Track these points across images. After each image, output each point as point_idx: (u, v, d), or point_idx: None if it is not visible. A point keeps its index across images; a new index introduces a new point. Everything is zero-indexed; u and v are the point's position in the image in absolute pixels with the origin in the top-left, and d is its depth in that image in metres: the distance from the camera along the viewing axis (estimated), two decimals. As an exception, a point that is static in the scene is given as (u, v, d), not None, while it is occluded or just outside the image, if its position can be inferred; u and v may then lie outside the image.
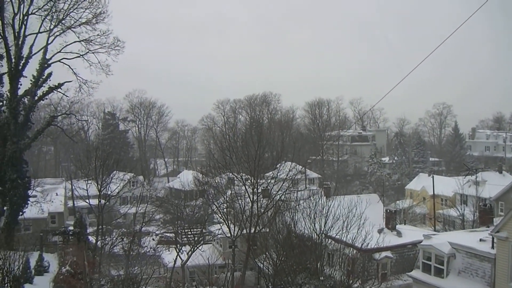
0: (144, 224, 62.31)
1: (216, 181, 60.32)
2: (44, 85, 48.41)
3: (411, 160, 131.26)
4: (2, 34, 45.79)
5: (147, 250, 58.30)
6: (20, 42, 46.40)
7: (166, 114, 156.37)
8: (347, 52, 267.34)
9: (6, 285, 29.67)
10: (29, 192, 49.99)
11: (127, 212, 69.19)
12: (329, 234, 38.94)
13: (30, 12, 47.28)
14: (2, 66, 46.78)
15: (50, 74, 48.68)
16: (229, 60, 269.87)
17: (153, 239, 67.17)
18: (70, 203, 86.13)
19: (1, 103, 46.81)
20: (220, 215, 58.12)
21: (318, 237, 38.48)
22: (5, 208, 46.01)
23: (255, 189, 51.41)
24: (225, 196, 57.98)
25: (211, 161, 73.09)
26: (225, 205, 57.24)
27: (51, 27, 48.69)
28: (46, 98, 50.51)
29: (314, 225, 38.44)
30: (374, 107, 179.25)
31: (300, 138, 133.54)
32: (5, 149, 45.80)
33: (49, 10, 48.13)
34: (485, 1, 21.09)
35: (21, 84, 47.12)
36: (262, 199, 53.16)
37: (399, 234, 46.68)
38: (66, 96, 50.90)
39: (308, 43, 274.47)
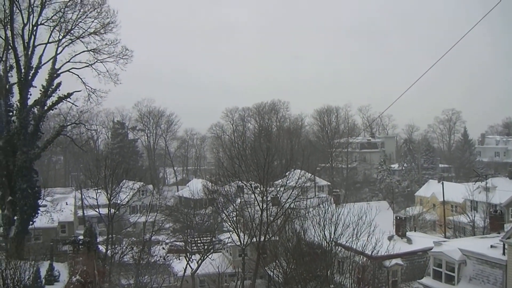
0: (153, 233, 62.36)
1: (226, 190, 60.31)
2: (53, 95, 48.57)
3: (421, 166, 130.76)
4: (12, 44, 46.05)
5: (157, 259, 58.37)
6: (29, 53, 46.63)
7: (175, 123, 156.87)
8: (355, 59, 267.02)
9: (17, 294, 29.70)
10: (39, 202, 50.02)
11: (137, 221, 69.20)
12: (339, 241, 38.77)
13: (39, 23, 47.54)
14: (12, 76, 47.05)
15: (59, 84, 48.86)
16: (237, 68, 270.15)
17: (163, 248, 67.14)
18: (80, 213, 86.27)
19: (11, 113, 47.00)
20: (229, 223, 58.15)
21: (328, 244, 38.33)
22: (15, 217, 46.07)
23: (264, 197, 51.40)
24: (234, 205, 58.01)
25: (220, 170, 73.14)
26: (235, 213, 57.25)
27: (60, 37, 48.92)
28: (56, 108, 50.65)
29: (324, 233, 38.30)
30: (383, 114, 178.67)
31: (309, 146, 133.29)
32: (15, 159, 45.96)
33: (58, 21, 48.38)
34: (497, 3, 20.93)
35: (30, 94, 47.32)
36: (271, 207, 53.12)
37: (409, 241, 46.48)
38: (75, 105, 51.01)
39: (315, 51, 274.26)
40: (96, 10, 49.07)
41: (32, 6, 46.74)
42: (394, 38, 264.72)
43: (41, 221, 56.47)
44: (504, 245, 31.60)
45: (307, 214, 46.39)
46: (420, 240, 46.67)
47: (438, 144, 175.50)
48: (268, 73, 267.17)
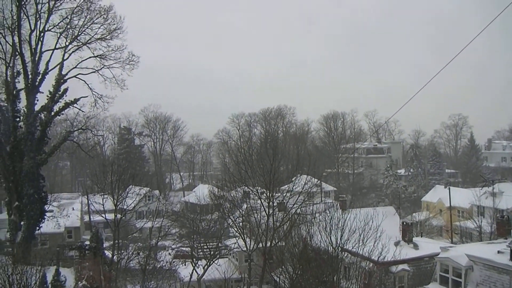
0: (160, 238, 62.32)
1: (232, 195, 60.29)
2: (60, 100, 48.80)
3: (427, 172, 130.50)
4: (19, 50, 46.31)
5: (163, 265, 58.31)
6: (36, 59, 46.87)
7: (181, 128, 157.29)
8: (361, 65, 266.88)
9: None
10: (46, 207, 50.19)
11: (143, 227, 69.20)
12: (345, 247, 38.71)
13: (46, 29, 47.81)
14: (19, 82, 47.30)
15: (66, 90, 49.07)
16: (244, 73, 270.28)
17: (169, 254, 67.15)
18: (86, 218, 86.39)
19: (18, 119, 47.22)
20: (236, 229, 58.11)
21: (334, 250, 38.26)
22: (22, 223, 46.22)
23: (270, 203, 51.36)
24: (240, 210, 57.98)
25: (226, 175, 73.07)
26: (241, 219, 57.21)
27: (67, 43, 49.18)
28: (62, 114, 50.87)
29: (330, 238, 38.22)
30: (389, 119, 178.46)
31: (315, 151, 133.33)
32: (22, 165, 46.14)
33: (64, 27, 48.67)
34: (508, 5, 20.85)
35: (37, 100, 47.55)
36: (277, 212, 53.08)
37: (415, 246, 46.35)
38: (82, 111, 51.27)
39: (321, 56, 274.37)
40: (102, 16, 49.36)
41: (39, 13, 47.05)
42: (400, 44, 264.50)
43: (47, 226, 56.68)
44: (511, 250, 31.46)
45: (313, 219, 46.37)
46: (427, 246, 46.53)
47: (445, 149, 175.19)
48: (274, 79, 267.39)
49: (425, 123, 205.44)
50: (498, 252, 33.35)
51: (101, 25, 49.60)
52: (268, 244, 50.12)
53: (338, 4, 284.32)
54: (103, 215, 56.73)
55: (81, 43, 49.85)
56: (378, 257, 37.44)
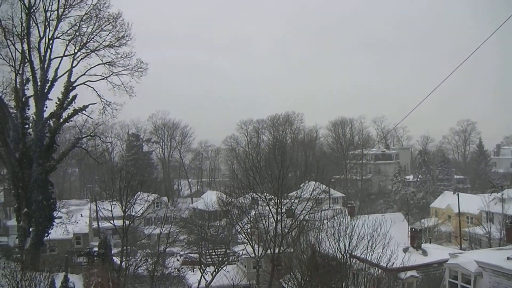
0: (168, 245, 62.31)
1: (240, 202, 60.29)
2: (69, 107, 48.99)
3: (436, 178, 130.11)
4: (28, 58, 46.62)
5: (172, 271, 58.30)
6: (45, 66, 47.12)
7: (189, 135, 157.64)
8: (369, 71, 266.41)
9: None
10: (55, 214, 50.38)
11: (151, 233, 69.39)
12: (353, 253, 38.62)
13: (55, 37, 48.09)
14: (28, 89, 47.61)
15: (75, 97, 49.26)
16: (250, 80, 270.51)
17: (177, 260, 67.12)
18: (94, 224, 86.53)
19: (27, 126, 47.51)
20: (244, 235, 58.08)
21: (342, 256, 38.17)
22: (31, 229, 46.39)
23: (279, 209, 51.31)
24: (249, 216, 57.95)
25: (234, 182, 73.21)
26: (249, 225, 57.18)
27: (76, 50, 49.41)
28: (71, 120, 51.05)
29: (339, 245, 38.14)
30: (398, 125, 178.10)
31: (324, 158, 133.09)
32: (31, 171, 46.34)
33: (73, 35, 48.95)
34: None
35: (46, 107, 47.78)
36: (286, 219, 53.01)
37: (424, 253, 46.18)
38: (91, 118, 51.43)
39: (329, 63, 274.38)
40: (111, 24, 49.56)
41: (48, 20, 47.34)
42: (408, 50, 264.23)
43: (56, 232, 56.85)
44: (521, 257, 31.34)
45: (321, 226, 46.28)
46: (436, 252, 46.36)
47: (453, 155, 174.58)
48: (282, 86, 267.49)
49: (434, 129, 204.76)
50: (508, 258, 33.18)
51: (109, 32, 49.83)
52: (276, 250, 50.04)
53: (344, 7, 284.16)
54: (112, 222, 56.82)
55: (89, 50, 50.06)
56: (387, 264, 37.33)
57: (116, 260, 54.95)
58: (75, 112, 49.22)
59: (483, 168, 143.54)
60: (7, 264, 37.99)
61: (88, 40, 49.49)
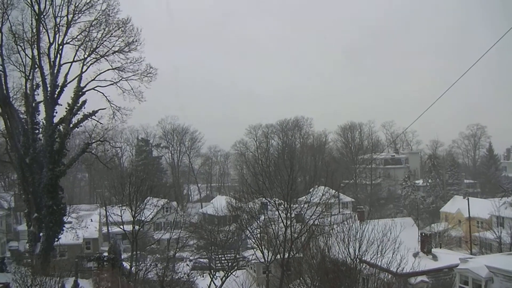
0: (178, 250, 62.37)
1: (249, 206, 60.28)
2: (78, 112, 49.10)
3: (445, 182, 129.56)
4: (38, 63, 46.83)
5: (181, 276, 58.30)
6: (55, 71, 47.28)
7: (199, 140, 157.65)
8: (378, 76, 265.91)
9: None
10: (65, 219, 50.49)
11: (161, 238, 69.42)
12: (363, 258, 38.50)
13: (65, 42, 48.23)
14: (38, 94, 47.87)
15: (84, 102, 49.36)
16: (261, 84, 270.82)
17: (187, 265, 67.08)
18: (104, 229, 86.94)
19: (37, 131, 47.72)
20: (253, 240, 58.02)
21: (352, 261, 38.06)
22: (41, 234, 46.52)
23: (288, 214, 51.26)
24: (258, 221, 57.88)
25: (244, 186, 73.10)
26: (259, 230, 57.12)
27: (85, 56, 49.50)
28: (81, 126, 51.15)
29: (348, 250, 38.04)
30: (407, 129, 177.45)
31: (333, 162, 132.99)
32: (41, 176, 46.51)
33: (83, 40, 49.07)
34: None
35: (56, 112, 47.91)
36: (295, 224, 52.94)
37: (434, 258, 46.02)
38: (100, 123, 51.44)
39: (338, 67, 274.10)
40: (120, 29, 49.64)
41: (58, 26, 47.54)
42: (418, 53, 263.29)
43: (66, 237, 56.94)
44: (532, 262, 31.14)
45: (331, 231, 46.17)
46: (446, 257, 46.20)
47: (463, 160, 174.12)
48: (291, 90, 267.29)
49: (443, 133, 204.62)
50: (519, 263, 33.02)
51: (118, 38, 49.88)
52: (286, 255, 49.97)
53: (353, 14, 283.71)
54: (121, 227, 57.03)
55: (99, 56, 50.15)
56: (397, 269, 37.18)
57: (126, 265, 55.13)
58: (85, 117, 49.33)
59: (493, 173, 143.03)
60: (18, 269, 38.10)
61: (97, 46, 49.62)
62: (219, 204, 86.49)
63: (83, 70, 49.55)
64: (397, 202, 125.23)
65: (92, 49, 49.58)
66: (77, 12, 47.98)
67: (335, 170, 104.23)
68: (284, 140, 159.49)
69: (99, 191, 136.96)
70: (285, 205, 51.66)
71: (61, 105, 48.40)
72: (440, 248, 59.08)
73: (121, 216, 56.08)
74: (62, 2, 47.34)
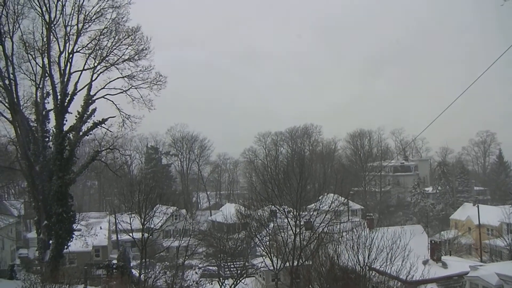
0: (187, 257, 62.44)
1: (259, 214, 60.30)
2: (88, 120, 49.17)
3: (455, 189, 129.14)
4: (48, 72, 47.04)
5: (190, 284, 58.33)
6: (65, 80, 47.43)
7: (208, 148, 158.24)
8: (388, 83, 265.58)
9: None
10: (74, 226, 50.53)
11: (170, 246, 69.52)
12: (373, 266, 38.42)
13: (75, 51, 48.36)
14: (48, 102, 47.99)
15: (94, 110, 49.48)
16: (269, 93, 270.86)
17: (196, 273, 67.17)
18: (114, 237, 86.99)
19: (47, 139, 47.92)
20: (262, 248, 58.02)
21: (361, 269, 37.99)
22: (50, 241, 46.65)
23: (297, 222, 51.25)
24: (267, 229, 57.88)
25: (253, 194, 73.21)
26: (268, 238, 57.10)
27: (95, 64, 49.59)
28: (91, 134, 51.20)
29: (358, 257, 37.98)
30: (417, 137, 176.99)
31: (342, 170, 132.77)
32: (51, 184, 46.68)
33: (93, 48, 49.21)
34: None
35: (66, 120, 48.01)
36: (304, 231, 52.92)
37: (444, 265, 45.86)
38: (110, 131, 51.41)
39: (347, 75, 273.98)
40: (130, 37, 49.75)
41: (68, 35, 47.73)
42: (426, 61, 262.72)
43: (75, 245, 57.10)
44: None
45: (340, 238, 46.11)
46: (456, 265, 46.03)
47: (473, 167, 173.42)
48: (300, 98, 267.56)
49: (453, 140, 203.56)
50: (530, 271, 32.86)
51: (128, 46, 49.95)
52: (295, 263, 49.92)
53: (359, 23, 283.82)
54: (131, 234, 57.15)
55: (109, 64, 50.23)
56: (407, 276, 37.07)
57: (135, 272, 55.18)
58: (95, 125, 49.43)
59: (503, 180, 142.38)
60: (27, 276, 38.29)
61: (107, 54, 49.74)
62: (228, 211, 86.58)
63: (93, 79, 49.69)
64: (407, 210, 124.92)
65: (102, 57, 49.74)
66: (87, 21, 48.16)
67: (344, 177, 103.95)
68: (293, 148, 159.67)
69: (108, 199, 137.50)
70: (294, 212, 51.64)
71: (71, 113, 48.54)
72: (450, 255, 58.88)
73: (131, 224, 56.23)
74: (73, 11, 47.55)
